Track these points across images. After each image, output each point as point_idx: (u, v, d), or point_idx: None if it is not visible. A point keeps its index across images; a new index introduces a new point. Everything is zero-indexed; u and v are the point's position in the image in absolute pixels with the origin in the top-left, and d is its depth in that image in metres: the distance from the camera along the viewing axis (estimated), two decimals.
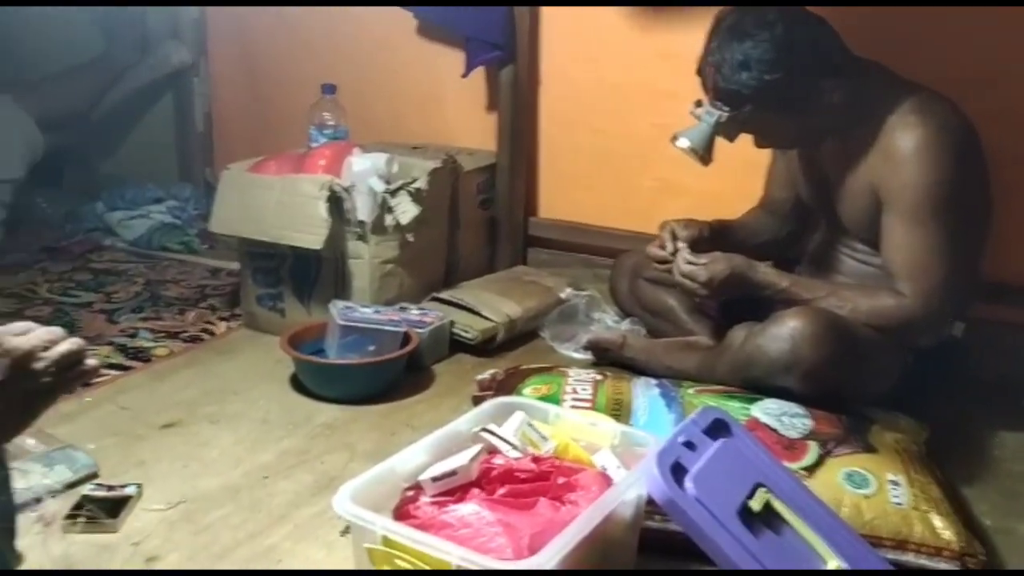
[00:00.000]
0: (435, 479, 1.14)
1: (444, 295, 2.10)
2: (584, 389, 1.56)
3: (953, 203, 1.52)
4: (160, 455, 1.54)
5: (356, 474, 1.16)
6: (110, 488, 1.40)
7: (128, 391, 1.77)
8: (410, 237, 2.02)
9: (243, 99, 2.83)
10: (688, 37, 1.67)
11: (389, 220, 1.98)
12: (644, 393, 1.55)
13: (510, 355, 2.00)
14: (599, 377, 1.62)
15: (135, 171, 2.91)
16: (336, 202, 1.94)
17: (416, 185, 2.02)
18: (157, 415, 1.68)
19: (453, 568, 1.00)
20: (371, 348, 1.81)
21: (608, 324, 2.05)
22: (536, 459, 1.20)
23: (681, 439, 1.18)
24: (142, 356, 1.93)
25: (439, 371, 1.92)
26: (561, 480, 1.16)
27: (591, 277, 2.28)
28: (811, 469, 1.35)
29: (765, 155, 1.85)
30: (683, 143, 1.63)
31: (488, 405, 1.35)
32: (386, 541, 1.05)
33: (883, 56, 1.63)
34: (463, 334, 1.98)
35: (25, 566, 1.03)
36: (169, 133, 2.96)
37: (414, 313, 1.96)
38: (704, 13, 1.63)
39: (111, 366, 1.85)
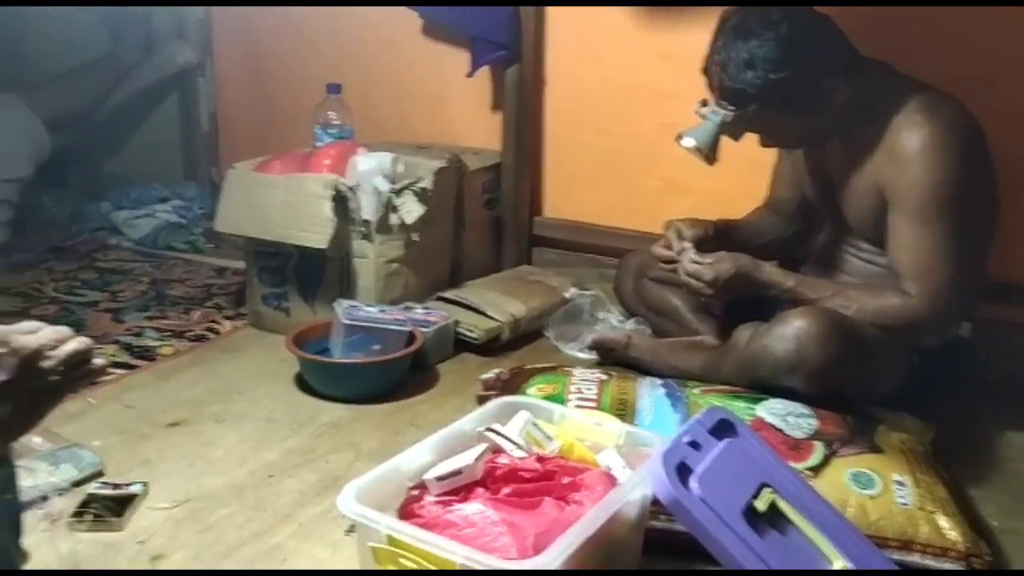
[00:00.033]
0: (440, 478, 1.14)
1: (449, 294, 2.10)
2: (589, 389, 1.56)
3: (959, 203, 1.51)
4: (165, 454, 1.54)
5: (361, 473, 1.16)
6: (116, 486, 1.40)
7: (134, 390, 1.77)
8: (415, 237, 2.02)
9: (248, 99, 2.83)
10: (693, 37, 1.67)
11: (394, 220, 1.98)
12: (649, 393, 1.55)
13: (515, 355, 2.00)
14: (604, 377, 1.62)
15: (141, 170, 2.92)
16: (341, 201, 1.94)
17: (421, 185, 2.02)
18: (162, 414, 1.68)
19: (457, 567, 1.00)
20: (376, 347, 1.81)
21: (613, 324, 2.05)
22: (541, 459, 1.20)
23: (686, 439, 1.18)
24: (147, 355, 1.94)
25: (444, 370, 1.92)
26: (566, 480, 1.16)
27: (596, 277, 2.28)
28: (816, 469, 1.34)
29: (770, 154, 1.85)
30: (688, 142, 1.63)
31: (493, 404, 1.35)
32: (391, 540, 1.05)
33: (883, 56, 1.62)
34: (468, 333, 1.98)
35: (31, 564, 1.03)
36: (175, 133, 2.97)
37: (419, 312, 1.96)
38: (709, 13, 1.63)
39: (117, 365, 1.86)
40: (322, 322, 1.90)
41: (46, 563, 1.20)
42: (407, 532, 1.04)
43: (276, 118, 2.75)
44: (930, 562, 1.25)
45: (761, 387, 1.55)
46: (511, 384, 1.64)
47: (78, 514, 1.32)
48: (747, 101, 1.54)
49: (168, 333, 2.05)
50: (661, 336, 1.93)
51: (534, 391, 1.56)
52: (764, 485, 1.16)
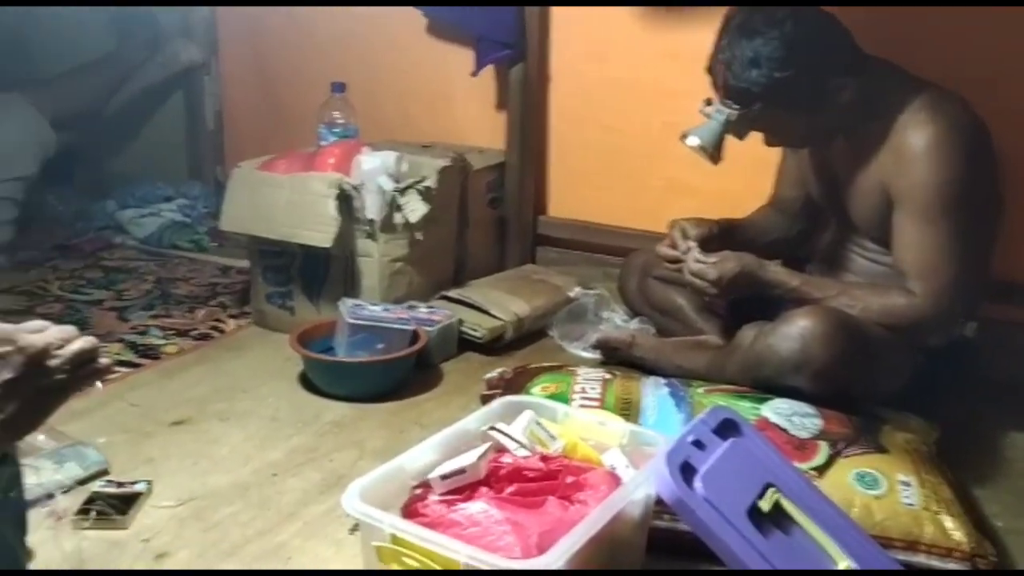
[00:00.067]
0: (444, 477, 1.14)
1: (453, 293, 2.10)
2: (593, 388, 1.56)
3: (964, 202, 1.51)
4: (170, 452, 1.55)
5: (365, 472, 1.16)
6: (120, 485, 1.41)
7: (138, 388, 1.78)
8: (419, 235, 2.02)
9: (253, 98, 2.84)
10: (698, 35, 1.66)
11: (398, 218, 1.98)
12: (653, 392, 1.55)
13: (519, 354, 2.00)
14: (608, 376, 1.62)
15: (146, 169, 2.93)
16: (346, 200, 1.94)
17: (425, 184, 2.02)
18: (167, 412, 1.68)
19: (461, 567, 1.00)
20: (380, 346, 1.81)
21: (617, 323, 2.05)
22: (545, 458, 1.20)
23: (690, 438, 1.18)
24: (152, 353, 1.94)
25: (448, 369, 1.92)
26: (570, 479, 1.16)
27: (600, 276, 2.28)
28: (821, 469, 1.34)
29: (775, 153, 1.84)
30: (693, 141, 1.63)
31: (497, 404, 1.35)
32: (395, 539, 1.05)
33: (884, 56, 1.62)
34: (472, 332, 1.99)
35: (36, 562, 1.04)
36: (180, 132, 2.97)
37: (423, 311, 1.96)
38: (714, 12, 1.63)
39: (121, 363, 1.86)
40: (326, 321, 1.90)
41: (51, 561, 1.20)
42: (411, 531, 1.05)
43: (281, 117, 2.75)
44: (935, 562, 1.25)
45: (766, 387, 1.55)
46: (515, 383, 1.64)
47: (83, 512, 1.33)
48: (752, 100, 1.54)
49: (172, 332, 2.06)
50: (665, 335, 1.92)
51: (538, 390, 1.56)
52: (768, 485, 1.16)
